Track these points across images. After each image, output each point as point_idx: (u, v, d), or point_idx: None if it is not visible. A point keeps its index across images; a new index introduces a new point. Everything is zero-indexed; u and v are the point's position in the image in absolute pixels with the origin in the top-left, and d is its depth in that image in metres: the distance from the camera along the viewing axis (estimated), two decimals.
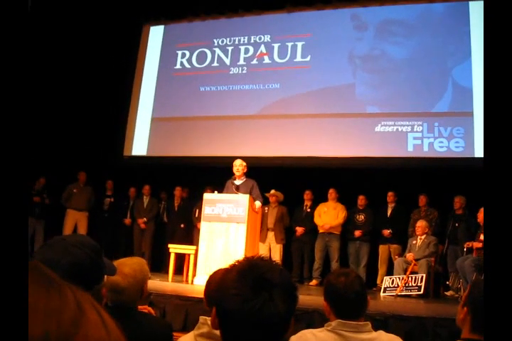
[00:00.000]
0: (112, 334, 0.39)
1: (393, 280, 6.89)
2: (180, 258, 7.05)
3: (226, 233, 6.26)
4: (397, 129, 8.36)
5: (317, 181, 8.46)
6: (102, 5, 9.83)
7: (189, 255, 6.84)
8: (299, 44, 9.20)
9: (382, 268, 7.89)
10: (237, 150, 8.54)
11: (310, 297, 5.52)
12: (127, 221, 9.19)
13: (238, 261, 1.21)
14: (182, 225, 8.82)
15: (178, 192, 9.03)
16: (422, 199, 7.77)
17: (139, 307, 2.42)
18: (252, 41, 9.54)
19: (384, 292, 6.83)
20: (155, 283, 5.96)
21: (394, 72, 8.60)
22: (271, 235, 8.21)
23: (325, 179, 8.38)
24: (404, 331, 4.06)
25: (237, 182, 6.64)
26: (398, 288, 6.70)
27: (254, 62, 9.46)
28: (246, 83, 9.39)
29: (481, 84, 7.29)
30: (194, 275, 6.49)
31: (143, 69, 10.25)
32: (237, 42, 9.65)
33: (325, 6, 9.21)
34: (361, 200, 8.17)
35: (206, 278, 2.35)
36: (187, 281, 6.69)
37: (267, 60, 9.39)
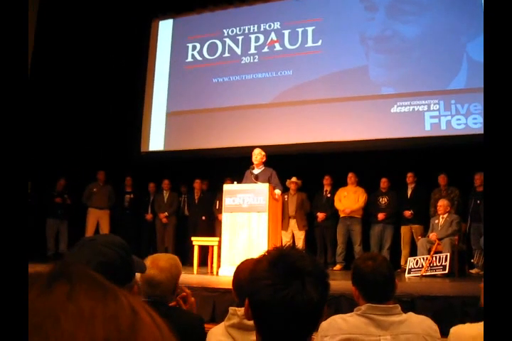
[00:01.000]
0: (165, 334, 0.40)
1: (417, 261, 6.88)
2: (204, 251, 7.10)
3: (248, 223, 6.29)
4: (414, 109, 8.29)
5: (336, 166, 8.44)
6: (110, 2, 9.85)
7: (212, 247, 6.88)
8: (310, 29, 9.13)
9: (405, 250, 7.86)
10: (254, 140, 8.54)
11: (335, 282, 5.52)
12: (149, 216, 9.24)
13: (268, 251, 1.22)
14: (203, 217, 8.85)
15: (197, 184, 9.06)
16: (443, 179, 7.71)
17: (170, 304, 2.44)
18: (261, 29, 9.49)
19: (409, 273, 6.82)
20: (181, 276, 6.01)
21: (407, 52, 8.50)
22: (293, 222, 8.22)
23: (343, 163, 8.36)
24: (432, 311, 4.06)
25: (256, 171, 6.65)
26: (423, 269, 6.68)
27: (266, 50, 9.42)
28: (258, 72, 9.36)
29: None
30: (219, 266, 6.53)
31: (154, 64, 10.27)
32: (246, 31, 9.61)
33: None
34: (384, 183, 8.13)
35: (231, 268, 2.38)
36: (212, 273, 6.74)
37: (278, 47, 9.34)
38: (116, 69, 9.89)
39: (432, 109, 8.20)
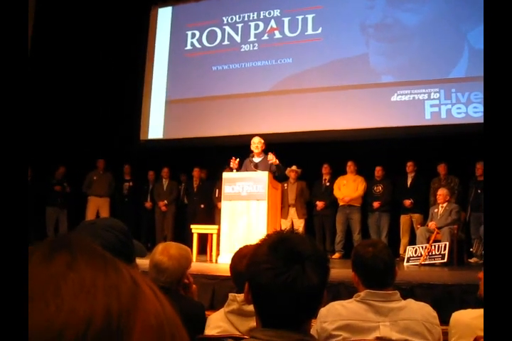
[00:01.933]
0: (166, 307, 0.40)
1: (416, 250, 6.89)
2: (203, 239, 7.11)
3: (247, 211, 6.30)
4: (414, 97, 8.26)
5: (335, 154, 8.43)
6: None
7: (211, 235, 6.89)
8: (310, 17, 9.07)
9: (404, 238, 7.88)
10: (253, 128, 8.52)
11: (334, 270, 5.49)
12: (148, 204, 9.26)
13: (268, 236, 1.21)
14: (202, 206, 8.87)
15: (196, 173, 9.06)
16: (442, 168, 7.71)
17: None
18: (261, 17, 9.43)
19: (407, 262, 6.84)
20: None
21: (408, 40, 8.45)
22: (292, 211, 8.23)
23: (343, 152, 8.35)
24: (431, 299, 4.07)
25: (256, 159, 6.64)
26: (422, 257, 6.70)
27: (265, 37, 9.36)
28: (258, 60, 9.31)
29: None
30: (218, 254, 6.56)
31: (154, 52, 10.22)
32: (246, 18, 9.55)
33: None
34: (378, 171, 8.14)
35: (230, 256, 2.37)
36: (211, 260, 6.76)
37: (277, 34, 9.28)
38: (115, 57, 9.84)
39: (432, 97, 8.18)
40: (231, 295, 2.15)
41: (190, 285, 2.58)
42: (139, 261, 1.73)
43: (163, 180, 9.26)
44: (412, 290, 4.28)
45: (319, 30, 8.99)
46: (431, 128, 8.05)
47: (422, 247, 6.82)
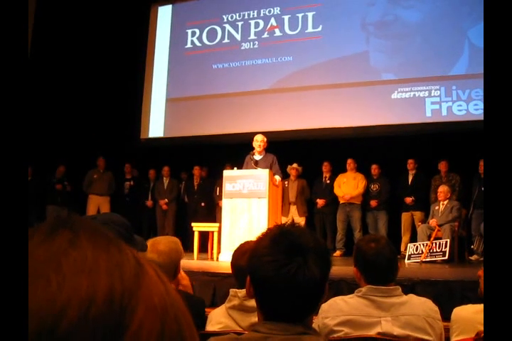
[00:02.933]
0: (169, 289, 0.40)
1: (417, 247, 6.89)
2: (204, 237, 7.11)
3: (248, 208, 6.29)
4: (414, 95, 8.25)
5: (336, 152, 8.43)
6: None
7: (213, 233, 6.89)
8: (310, 14, 9.05)
9: (405, 236, 7.88)
10: (254, 126, 8.51)
11: (335, 267, 5.51)
12: (149, 203, 9.26)
13: (270, 229, 1.21)
14: (203, 204, 8.87)
15: (196, 171, 9.06)
16: (443, 165, 7.71)
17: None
18: (261, 15, 9.41)
19: (408, 259, 6.84)
20: (181, 261, 6.02)
21: (408, 37, 8.44)
22: (293, 209, 8.22)
23: (343, 150, 8.34)
24: (432, 295, 4.06)
25: (257, 157, 6.62)
26: (423, 255, 6.70)
27: (265, 35, 9.35)
28: (258, 58, 9.30)
29: None
30: (219, 252, 6.55)
31: (154, 50, 10.21)
32: (246, 16, 9.53)
33: None
34: (374, 170, 8.13)
35: (231, 254, 2.36)
36: (212, 258, 6.76)
37: (278, 32, 9.27)
38: (115, 56, 9.83)
39: (432, 95, 8.17)
40: (232, 291, 2.15)
41: (180, 281, 2.56)
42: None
43: (164, 178, 9.26)
44: (413, 287, 4.28)
45: (319, 28, 8.98)
46: (432, 125, 8.04)
47: (423, 244, 6.82)
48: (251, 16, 9.50)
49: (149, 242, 2.37)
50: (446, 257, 6.56)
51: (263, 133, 6.97)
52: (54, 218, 0.40)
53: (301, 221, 8.14)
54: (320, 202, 8.25)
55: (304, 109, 8.77)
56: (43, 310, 0.32)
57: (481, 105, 7.76)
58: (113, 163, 9.44)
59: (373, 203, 7.98)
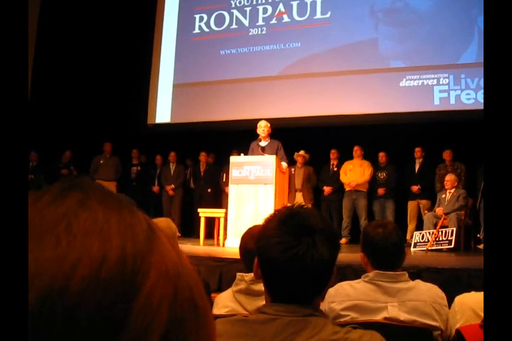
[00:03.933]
0: (182, 258, 0.39)
1: (423, 235, 6.88)
2: (210, 223, 7.13)
3: (255, 195, 6.29)
4: (423, 83, 8.19)
5: (343, 139, 8.38)
6: None
7: (219, 218, 6.90)
8: (318, 0, 8.96)
9: (411, 224, 7.86)
10: (261, 112, 8.47)
11: (341, 254, 5.50)
12: (155, 188, 9.27)
13: (278, 210, 1.20)
14: (209, 190, 8.87)
15: (203, 157, 9.05)
16: (448, 154, 7.67)
17: None
18: (269, 0, 9.32)
19: (414, 247, 6.84)
20: (187, 247, 6.06)
21: (417, 24, 8.35)
22: (299, 196, 8.20)
23: (351, 137, 8.30)
24: (439, 283, 4.05)
25: (263, 143, 6.61)
26: (429, 243, 6.69)
27: (274, 21, 9.27)
28: (266, 44, 9.24)
29: None
30: (225, 238, 6.56)
31: (161, 35, 10.15)
32: (254, 2, 9.45)
33: None
34: (381, 157, 8.09)
35: (237, 240, 2.36)
36: (218, 244, 6.77)
37: (286, 18, 9.19)
38: (122, 41, 9.79)
39: (441, 83, 8.10)
40: (239, 275, 2.15)
41: None
42: None
43: (171, 164, 9.26)
44: (419, 274, 4.27)
45: (328, 15, 8.89)
46: (440, 113, 7.99)
47: (429, 233, 6.81)
48: (259, 2, 9.42)
49: None
50: (452, 245, 6.55)
51: (270, 119, 6.95)
52: (64, 180, 0.39)
53: None
54: (327, 189, 8.23)
55: (312, 95, 8.72)
56: (53, 268, 0.32)
57: None
58: (119, 148, 9.44)
59: (381, 191, 7.95)
